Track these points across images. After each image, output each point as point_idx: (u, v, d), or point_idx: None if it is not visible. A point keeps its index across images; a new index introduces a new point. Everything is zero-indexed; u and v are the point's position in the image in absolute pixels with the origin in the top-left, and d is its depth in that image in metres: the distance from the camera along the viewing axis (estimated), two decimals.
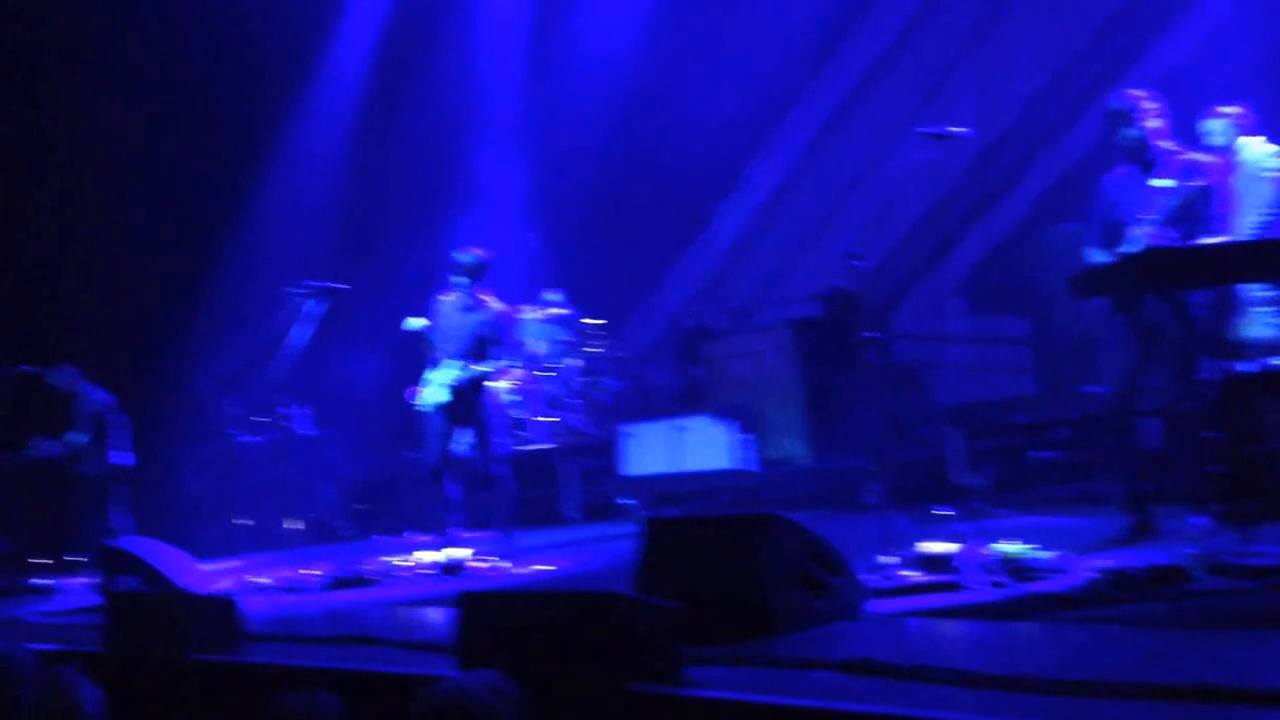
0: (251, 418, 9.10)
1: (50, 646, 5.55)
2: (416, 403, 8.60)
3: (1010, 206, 11.51)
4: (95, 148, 12.16)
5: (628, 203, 13.00)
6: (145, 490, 10.43)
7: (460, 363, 8.31)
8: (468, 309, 8.44)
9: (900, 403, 9.87)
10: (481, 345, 8.37)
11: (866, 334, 5.85)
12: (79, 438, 10.08)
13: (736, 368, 10.98)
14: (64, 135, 12.17)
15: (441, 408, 8.36)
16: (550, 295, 12.28)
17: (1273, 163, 7.03)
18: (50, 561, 9.72)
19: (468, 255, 8.48)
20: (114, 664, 5.15)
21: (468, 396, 8.33)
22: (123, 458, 10.15)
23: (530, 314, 12.39)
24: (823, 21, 12.10)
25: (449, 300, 8.53)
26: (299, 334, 8.14)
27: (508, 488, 8.44)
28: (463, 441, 8.73)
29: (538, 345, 12.20)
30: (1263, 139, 7.15)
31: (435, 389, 8.39)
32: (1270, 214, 6.89)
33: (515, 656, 3.86)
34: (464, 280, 8.42)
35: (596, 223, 13.04)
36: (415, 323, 8.46)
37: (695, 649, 3.89)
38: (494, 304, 8.52)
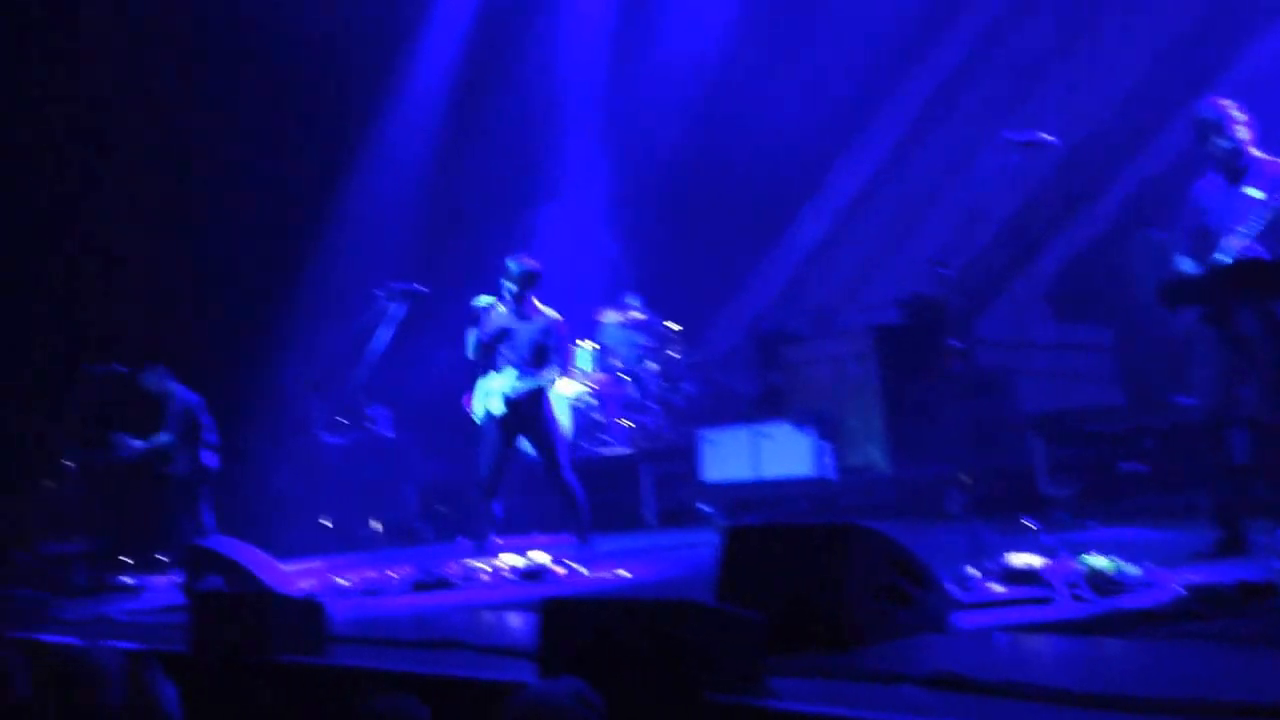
0: (335, 418, 9.19)
1: (134, 645, 5.65)
2: (472, 412, 8.60)
3: (1097, 212, 11.33)
4: (183, 147, 12.35)
5: (709, 206, 12.98)
6: (230, 489, 10.58)
7: (517, 372, 8.30)
8: (524, 318, 8.41)
9: (983, 410, 9.76)
10: (540, 354, 8.33)
11: (950, 342, 5.78)
12: (166, 438, 10.23)
13: (816, 373, 10.92)
14: (153, 135, 12.35)
15: (498, 419, 8.34)
16: (630, 299, 12.30)
17: None
18: (137, 560, 9.88)
19: (521, 264, 8.42)
20: (198, 663, 5.24)
21: (527, 408, 8.29)
22: (209, 459, 10.29)
23: (610, 318, 12.43)
24: (909, 24, 11.99)
25: (503, 309, 8.49)
26: (382, 336, 8.21)
27: (580, 495, 8.42)
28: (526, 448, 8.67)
29: (617, 349, 12.23)
30: None
31: (492, 398, 8.38)
32: None
33: (596, 664, 3.86)
34: (517, 289, 8.39)
35: (677, 226, 13.03)
36: (485, 300, 8.45)
37: (777, 659, 3.87)
38: (549, 312, 8.49)
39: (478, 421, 8.55)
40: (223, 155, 12.29)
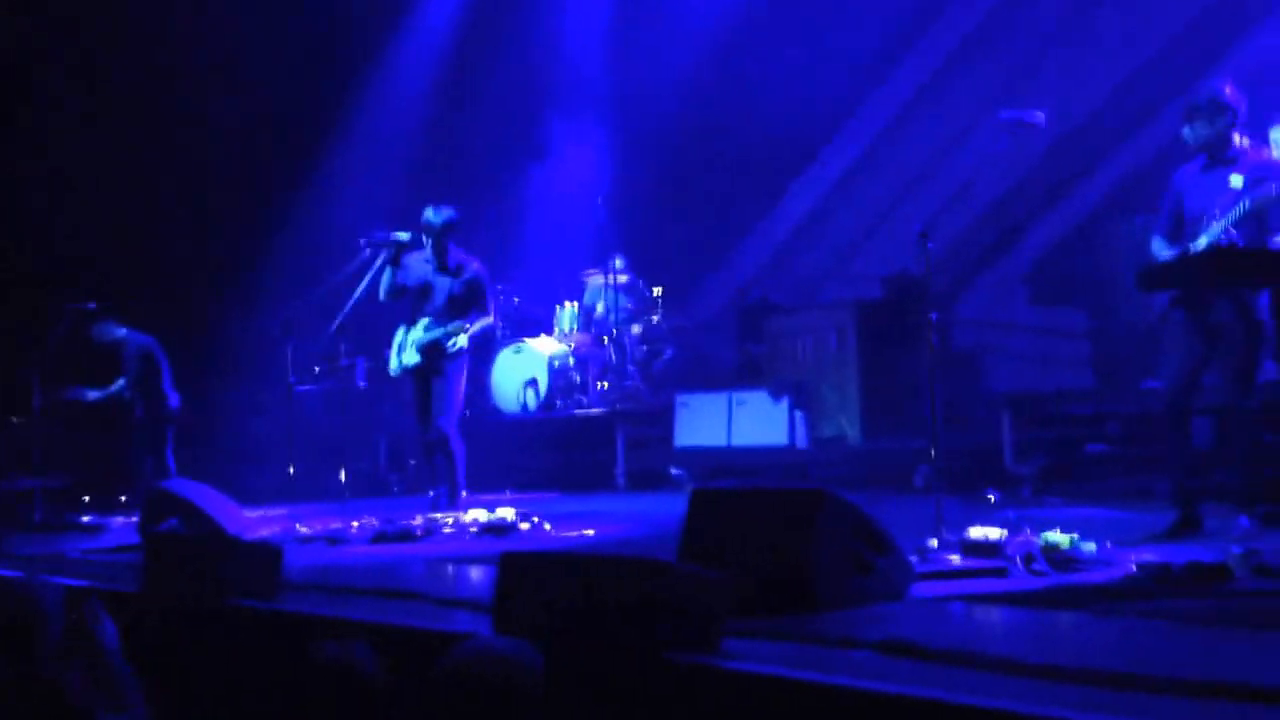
0: (312, 366, 9.13)
1: (80, 582, 5.63)
2: (391, 369, 8.45)
3: (1082, 197, 11.35)
4: (167, 83, 12.04)
5: (701, 174, 12.94)
6: (201, 433, 10.52)
7: (430, 321, 8.18)
8: (440, 270, 8.27)
9: (958, 387, 9.79)
10: (454, 306, 8.21)
11: (929, 317, 5.81)
12: (120, 384, 10.20)
13: (797, 344, 10.92)
14: (135, 70, 12.06)
15: (413, 372, 8.24)
16: (616, 262, 12.27)
17: None
18: (99, 500, 9.84)
19: (437, 214, 8.27)
20: (149, 604, 5.21)
21: (435, 357, 8.19)
22: (168, 400, 10.24)
23: (594, 280, 12.40)
24: (912, 3, 11.94)
25: (421, 258, 8.33)
26: (363, 285, 8.17)
27: (457, 452, 8.27)
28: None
29: (599, 311, 12.21)
30: None
31: (407, 352, 8.26)
32: None
33: (552, 619, 3.87)
34: (436, 240, 8.25)
35: (668, 191, 12.99)
36: (405, 236, 8.27)
37: (737, 621, 3.88)
38: (469, 264, 8.33)
39: (393, 375, 8.46)
40: (210, 91, 12.00)
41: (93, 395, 10.18)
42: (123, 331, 10.27)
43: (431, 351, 8.21)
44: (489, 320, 8.39)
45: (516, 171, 13.35)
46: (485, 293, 8.39)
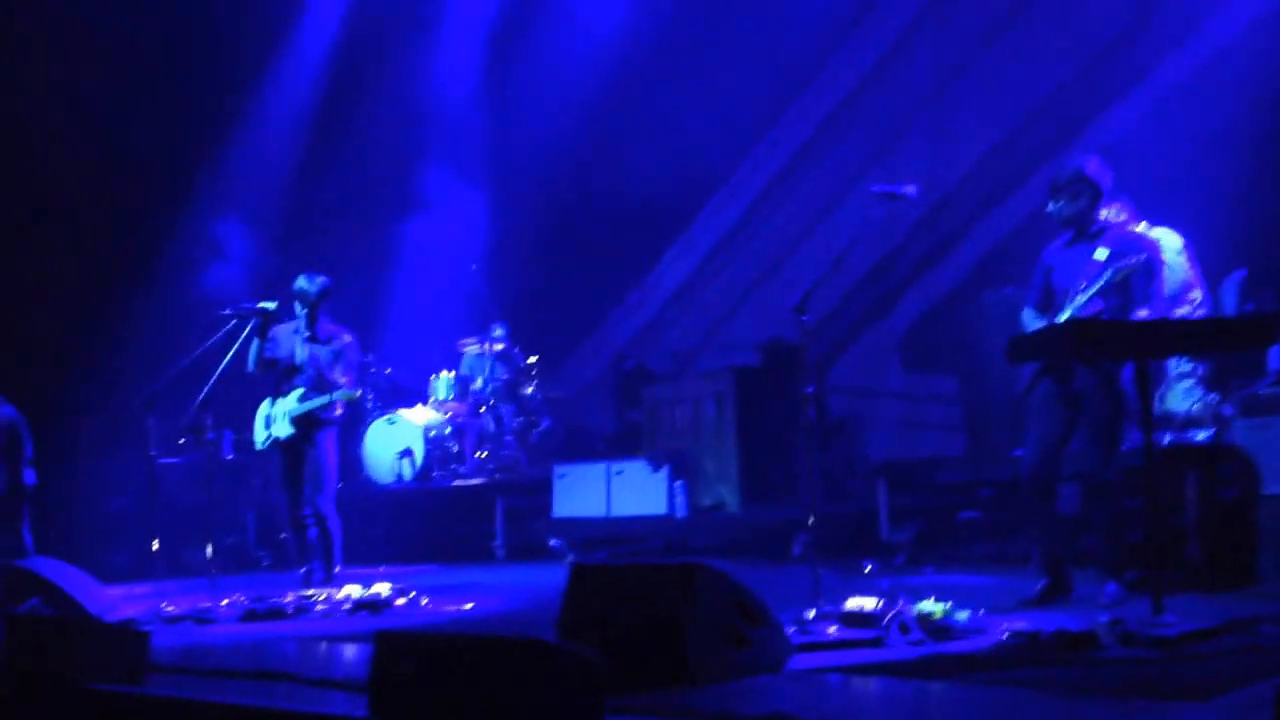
0: (175, 439, 8.83)
1: None
2: (258, 442, 8.27)
3: (953, 266, 11.60)
4: (17, 140, 11.67)
5: (577, 241, 12.98)
6: (59, 509, 10.10)
7: (304, 392, 8.07)
8: (310, 340, 8.17)
9: (834, 456, 9.90)
10: (324, 378, 8.11)
11: (805, 389, 5.90)
12: None
13: (675, 413, 10.95)
14: None
15: (284, 444, 8.09)
16: (495, 330, 12.23)
17: (1175, 245, 7.23)
18: None
19: (310, 283, 8.17)
20: (9, 689, 4.99)
21: (309, 428, 8.06)
22: (29, 476, 9.84)
23: (471, 348, 12.34)
24: (780, 74, 12.19)
25: (290, 329, 8.21)
26: (230, 355, 7.98)
27: (334, 529, 8.14)
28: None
29: (476, 380, 12.14)
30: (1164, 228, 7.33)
31: (279, 424, 8.12)
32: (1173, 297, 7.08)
33: (429, 700, 3.80)
34: (311, 310, 8.16)
35: (544, 259, 13.00)
36: (272, 305, 8.12)
37: (616, 698, 3.85)
38: (341, 336, 8.25)
39: (260, 449, 8.28)
40: (68, 145, 11.62)
41: None
42: None
43: (305, 422, 8.05)
44: (355, 394, 8.26)
45: (389, 237, 13.24)
46: (351, 365, 8.27)
